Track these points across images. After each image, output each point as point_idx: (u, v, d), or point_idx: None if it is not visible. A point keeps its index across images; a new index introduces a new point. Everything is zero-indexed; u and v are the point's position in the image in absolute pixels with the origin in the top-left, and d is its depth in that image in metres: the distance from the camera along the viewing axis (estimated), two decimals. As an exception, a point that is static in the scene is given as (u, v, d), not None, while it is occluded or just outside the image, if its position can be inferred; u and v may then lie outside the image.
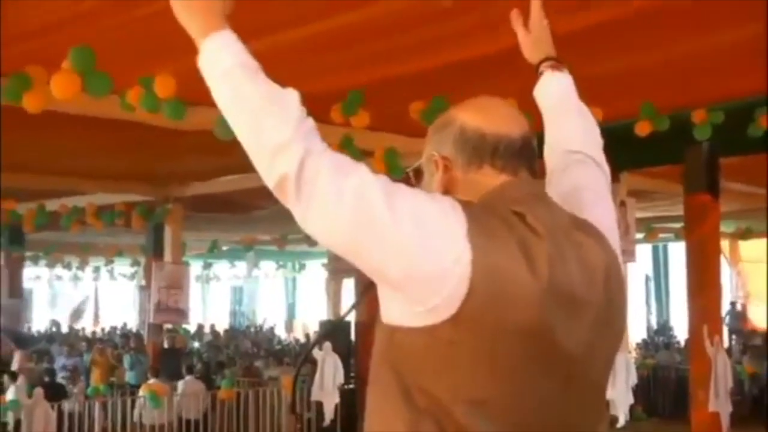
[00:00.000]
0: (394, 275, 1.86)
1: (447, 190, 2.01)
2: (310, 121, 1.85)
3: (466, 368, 1.84)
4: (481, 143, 2.01)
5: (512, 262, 1.84)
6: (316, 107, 7.14)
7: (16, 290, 19.52)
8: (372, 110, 8.04)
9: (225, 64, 1.88)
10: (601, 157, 2.36)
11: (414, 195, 1.88)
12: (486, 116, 2.05)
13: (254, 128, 1.84)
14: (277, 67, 6.54)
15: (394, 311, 1.89)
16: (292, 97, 1.85)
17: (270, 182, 1.81)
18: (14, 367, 13.83)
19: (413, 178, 2.13)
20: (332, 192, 1.78)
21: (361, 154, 8.88)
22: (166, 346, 16.05)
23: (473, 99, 2.12)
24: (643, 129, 8.65)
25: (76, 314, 32.10)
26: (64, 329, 28.25)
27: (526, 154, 2.04)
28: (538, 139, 2.14)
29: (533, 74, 2.55)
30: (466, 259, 1.79)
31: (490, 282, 1.81)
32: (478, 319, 1.81)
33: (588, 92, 7.80)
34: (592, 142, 2.38)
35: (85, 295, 34.95)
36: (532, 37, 2.56)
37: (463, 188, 2.01)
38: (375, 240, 1.82)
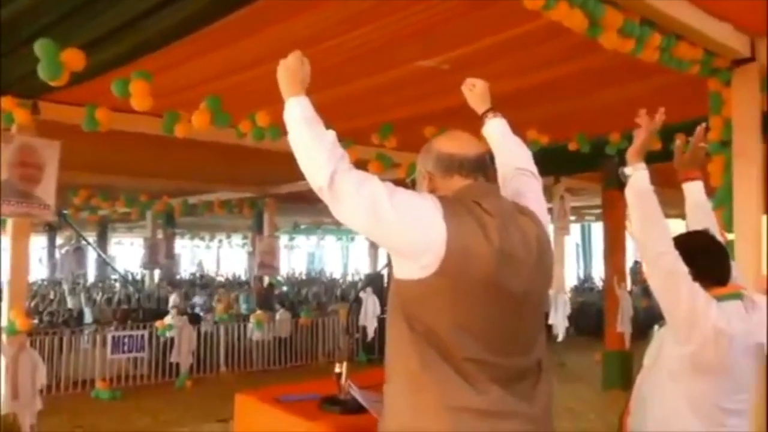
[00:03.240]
0: (397, 248, 1.95)
1: (431, 191, 2.08)
2: (340, 150, 1.95)
3: (446, 304, 1.90)
4: (451, 161, 2.09)
5: (473, 233, 1.91)
6: (361, 135, 7.17)
7: (171, 254, 19.68)
8: (398, 136, 8.03)
9: (296, 115, 2.02)
10: (535, 170, 2.39)
11: (408, 195, 1.96)
12: (454, 143, 2.13)
13: (306, 156, 1.97)
14: (338, 109, 6.57)
15: (400, 269, 1.96)
16: (331, 136, 1.97)
17: (314, 189, 1.93)
18: (170, 304, 13.94)
19: (411, 184, 2.20)
20: (353, 197, 1.88)
21: (390, 165, 8.95)
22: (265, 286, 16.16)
23: (447, 131, 2.20)
24: (575, 147, 8.62)
25: (200, 266, 32.57)
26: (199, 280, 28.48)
27: (481, 166, 2.11)
28: (491, 158, 2.22)
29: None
30: (443, 234, 1.87)
31: (459, 248, 1.88)
32: (452, 272, 1.87)
33: (538, 125, 7.75)
34: (528, 161, 2.42)
35: (200, 258, 35.83)
36: (476, 95, 2.63)
37: (442, 189, 2.08)
38: (384, 228, 1.90)
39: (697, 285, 2.39)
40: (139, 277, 21.77)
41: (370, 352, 12.29)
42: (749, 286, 2.65)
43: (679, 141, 3.00)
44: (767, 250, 5.13)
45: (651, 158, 2.62)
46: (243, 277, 26.02)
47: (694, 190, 2.97)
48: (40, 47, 4.85)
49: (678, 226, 2.71)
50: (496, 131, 2.51)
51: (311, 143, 1.95)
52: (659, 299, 2.45)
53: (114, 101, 5.99)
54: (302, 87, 2.07)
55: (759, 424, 5.05)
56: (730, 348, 2.35)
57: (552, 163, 9.56)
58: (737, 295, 2.46)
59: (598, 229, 22.68)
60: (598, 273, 21.17)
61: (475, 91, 2.62)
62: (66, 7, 4.62)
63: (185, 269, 30.29)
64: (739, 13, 4.93)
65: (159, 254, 18.62)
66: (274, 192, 14.85)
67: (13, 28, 4.97)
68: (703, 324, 2.33)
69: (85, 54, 4.98)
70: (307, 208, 17.02)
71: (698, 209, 2.94)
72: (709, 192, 3.14)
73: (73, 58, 4.96)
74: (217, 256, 37.27)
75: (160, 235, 19.07)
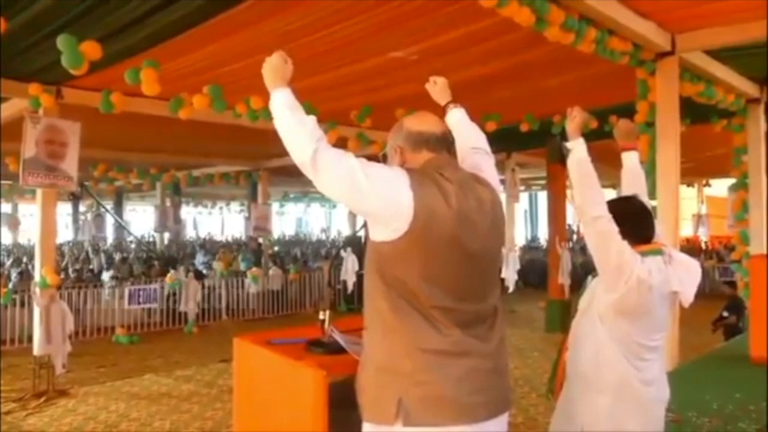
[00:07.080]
0: (371, 214, 1.93)
1: (402, 163, 2.06)
2: (319, 132, 1.91)
3: (414, 260, 1.89)
4: (419, 138, 2.06)
5: (436, 199, 1.90)
6: (342, 116, 7.12)
7: (178, 219, 19.47)
8: (374, 118, 7.99)
9: (280, 104, 1.98)
10: (488, 149, 2.38)
11: (379, 167, 1.93)
12: (421, 122, 2.10)
13: (291, 137, 1.93)
14: (320, 93, 6.49)
15: (375, 232, 1.95)
16: (311, 120, 1.94)
17: (298, 165, 1.91)
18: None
19: (382, 158, 2.18)
20: (332, 170, 1.87)
21: (368, 142, 8.92)
22: (260, 246, 16.07)
23: (415, 113, 2.16)
24: (524, 127, 8.61)
25: (194, 225, 31.94)
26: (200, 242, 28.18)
27: (445, 142, 2.09)
28: (453, 138, 2.19)
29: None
30: (410, 200, 1.86)
31: (424, 212, 1.87)
32: (418, 233, 1.87)
33: (493, 108, 7.70)
34: (482, 142, 2.40)
35: (193, 217, 34.32)
36: (438, 89, 2.64)
37: (411, 162, 2.06)
38: (359, 197, 1.88)
39: (625, 243, 2.42)
40: (151, 240, 21.60)
41: (350, 303, 12.32)
42: (668, 243, 2.68)
43: (619, 121, 3.07)
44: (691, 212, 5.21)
45: (588, 136, 2.63)
46: (243, 239, 25.88)
47: (630, 158, 2.99)
48: (61, 41, 4.84)
49: (610, 194, 2.73)
50: (455, 120, 2.51)
51: (294, 127, 1.92)
52: (593, 254, 2.47)
53: (127, 87, 5.92)
54: (284, 81, 2.02)
55: (672, 357, 5.19)
56: (650, 295, 2.39)
57: (505, 141, 9.60)
58: (658, 251, 2.50)
59: (543, 198, 22.77)
60: (543, 234, 21.35)
61: (437, 87, 2.64)
62: (84, 5, 4.56)
63: (190, 234, 29.98)
64: (662, 13, 4.98)
65: (168, 219, 18.46)
66: (266, 166, 14.72)
67: (37, 24, 4.92)
68: (628, 276, 2.37)
69: (101, 46, 4.95)
70: (296, 179, 16.89)
71: (632, 175, 2.97)
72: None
73: (91, 50, 4.94)
74: (222, 221, 36.84)
75: (168, 203, 18.88)
